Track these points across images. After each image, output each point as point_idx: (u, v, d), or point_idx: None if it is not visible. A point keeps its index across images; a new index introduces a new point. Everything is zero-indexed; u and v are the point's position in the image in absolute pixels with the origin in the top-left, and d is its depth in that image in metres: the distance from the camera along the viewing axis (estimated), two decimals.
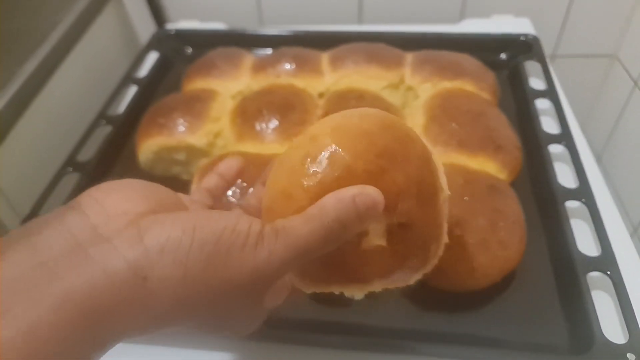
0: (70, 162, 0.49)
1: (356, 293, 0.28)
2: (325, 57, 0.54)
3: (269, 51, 0.62)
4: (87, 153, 0.51)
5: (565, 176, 0.44)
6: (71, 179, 0.48)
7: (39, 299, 0.19)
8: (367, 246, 0.26)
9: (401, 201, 0.25)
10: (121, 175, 0.49)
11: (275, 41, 0.61)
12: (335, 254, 0.25)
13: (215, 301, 0.22)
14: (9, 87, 0.51)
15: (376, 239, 0.26)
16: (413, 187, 0.25)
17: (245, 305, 0.24)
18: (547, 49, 0.64)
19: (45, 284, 0.19)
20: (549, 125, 0.49)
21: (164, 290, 0.21)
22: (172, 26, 0.70)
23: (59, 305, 0.19)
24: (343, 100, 0.48)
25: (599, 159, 0.75)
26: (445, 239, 0.29)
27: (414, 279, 0.29)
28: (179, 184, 0.46)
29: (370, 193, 0.24)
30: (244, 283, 0.22)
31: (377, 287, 0.28)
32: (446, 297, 0.38)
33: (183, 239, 0.21)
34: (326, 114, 0.46)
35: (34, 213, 0.45)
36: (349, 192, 0.23)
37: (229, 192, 0.40)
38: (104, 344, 0.20)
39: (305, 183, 0.24)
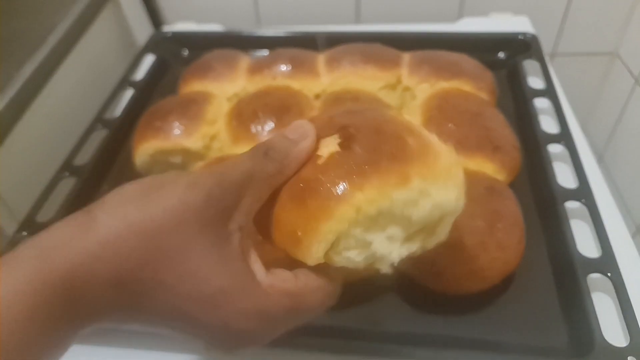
0: (67, 166, 0.49)
1: (346, 218, 0.24)
2: (321, 58, 0.54)
3: (266, 52, 0.61)
4: (84, 157, 0.51)
5: (564, 176, 0.44)
6: (68, 182, 0.48)
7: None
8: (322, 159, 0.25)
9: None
10: (117, 179, 0.50)
11: (272, 42, 0.61)
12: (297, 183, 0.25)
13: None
14: (7, 90, 0.51)
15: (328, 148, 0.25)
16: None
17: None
18: (546, 46, 0.63)
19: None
20: (548, 124, 0.48)
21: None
22: (169, 28, 0.70)
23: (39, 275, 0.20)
24: (339, 101, 0.47)
25: (600, 158, 0.74)
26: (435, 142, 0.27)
27: (409, 186, 0.24)
28: None
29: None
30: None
31: (362, 202, 0.24)
32: (444, 300, 0.37)
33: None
34: None
35: (31, 216, 0.45)
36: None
37: None
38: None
39: None
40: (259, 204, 0.25)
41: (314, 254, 0.25)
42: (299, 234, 0.24)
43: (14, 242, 0.43)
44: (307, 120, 0.27)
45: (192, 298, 0.22)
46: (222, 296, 0.23)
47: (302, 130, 0.26)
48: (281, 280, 0.25)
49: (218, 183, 0.23)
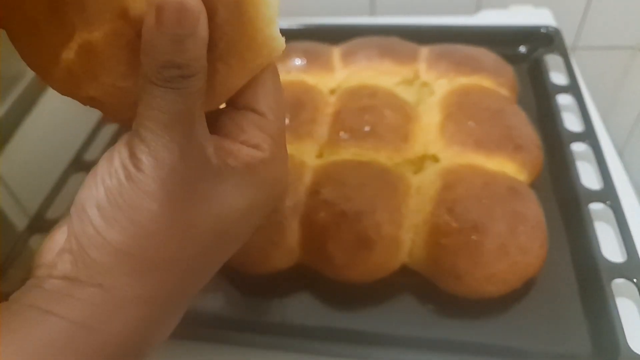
0: (77, 162, 0.49)
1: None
2: (336, 52, 0.52)
3: None
4: (95, 152, 0.50)
5: (588, 177, 0.42)
6: (79, 177, 0.48)
7: None
8: None
9: None
10: None
11: (285, 35, 0.60)
12: None
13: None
14: (17, 85, 0.50)
15: None
16: None
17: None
18: (567, 40, 0.61)
19: None
20: (571, 122, 0.47)
21: None
22: None
23: None
24: (355, 96, 0.46)
25: (620, 154, 0.72)
26: None
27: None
28: None
29: None
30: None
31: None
32: (463, 304, 0.36)
33: None
34: (337, 111, 0.44)
35: (41, 212, 0.45)
36: None
37: None
38: None
39: None
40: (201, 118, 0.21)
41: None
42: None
43: (24, 239, 0.43)
44: None
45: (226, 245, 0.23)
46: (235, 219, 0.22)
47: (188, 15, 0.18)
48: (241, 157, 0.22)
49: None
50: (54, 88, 0.23)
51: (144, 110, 0.19)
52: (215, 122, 0.23)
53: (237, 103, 0.23)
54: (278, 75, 0.24)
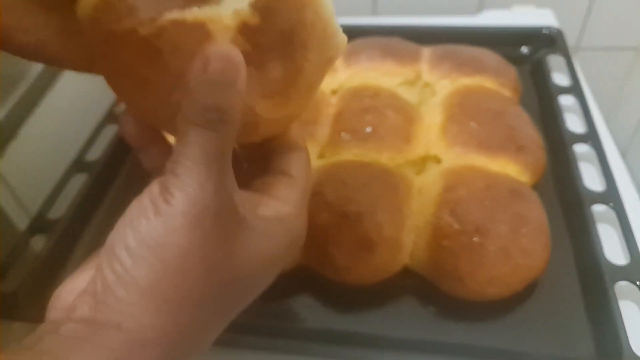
0: (79, 162, 0.49)
1: None
2: None
3: None
4: (96, 153, 0.50)
5: (591, 178, 0.42)
6: (80, 178, 0.48)
7: None
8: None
9: None
10: (130, 175, 0.50)
11: None
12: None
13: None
14: (19, 85, 0.50)
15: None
16: None
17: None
18: (570, 40, 0.61)
19: None
20: (574, 123, 0.47)
21: None
22: None
23: None
24: (357, 97, 0.46)
25: (623, 155, 0.72)
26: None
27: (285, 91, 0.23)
28: None
29: None
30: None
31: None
32: (465, 307, 0.36)
33: None
34: (339, 112, 0.44)
35: (42, 213, 0.45)
36: None
37: None
38: None
39: None
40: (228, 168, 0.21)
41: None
42: None
43: (25, 239, 0.43)
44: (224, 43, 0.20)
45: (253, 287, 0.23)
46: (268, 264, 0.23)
47: (229, 65, 0.19)
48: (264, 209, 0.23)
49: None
50: (166, 130, 0.26)
51: (180, 149, 0.20)
52: (247, 183, 0.25)
53: (270, 169, 0.25)
54: (309, 154, 0.27)
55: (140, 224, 0.20)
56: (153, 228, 0.19)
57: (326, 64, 0.24)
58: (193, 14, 0.19)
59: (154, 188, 0.20)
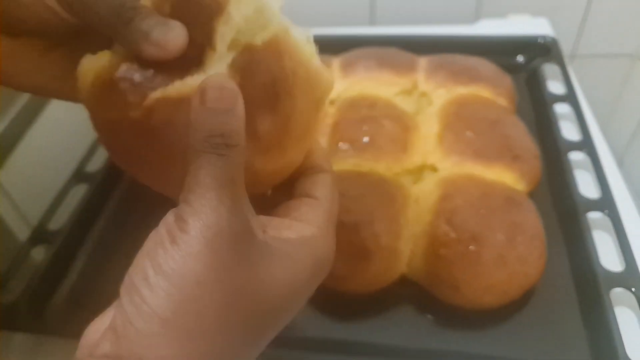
0: (79, 173, 0.49)
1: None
2: (335, 63, 0.53)
3: None
4: (96, 164, 0.50)
5: (586, 186, 0.42)
6: (81, 189, 0.48)
7: None
8: None
9: None
10: (130, 186, 0.50)
11: None
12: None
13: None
14: (20, 96, 0.51)
15: None
16: None
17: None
18: (565, 48, 0.61)
19: None
20: (569, 131, 0.47)
21: None
22: None
23: None
24: (354, 107, 0.46)
25: (620, 162, 0.72)
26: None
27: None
28: None
29: None
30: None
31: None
32: (462, 315, 0.36)
33: None
34: (336, 122, 0.45)
35: (43, 224, 0.45)
36: None
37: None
38: None
39: None
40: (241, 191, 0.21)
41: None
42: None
43: (26, 250, 0.43)
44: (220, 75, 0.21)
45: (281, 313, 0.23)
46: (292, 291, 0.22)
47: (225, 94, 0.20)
48: (281, 233, 0.23)
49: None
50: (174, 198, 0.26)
51: (191, 178, 0.20)
52: (272, 210, 0.24)
53: (295, 193, 0.25)
54: (335, 176, 0.27)
55: (157, 254, 0.20)
56: (170, 256, 0.19)
57: (317, 105, 0.24)
58: (176, 88, 0.20)
59: (169, 218, 0.20)
